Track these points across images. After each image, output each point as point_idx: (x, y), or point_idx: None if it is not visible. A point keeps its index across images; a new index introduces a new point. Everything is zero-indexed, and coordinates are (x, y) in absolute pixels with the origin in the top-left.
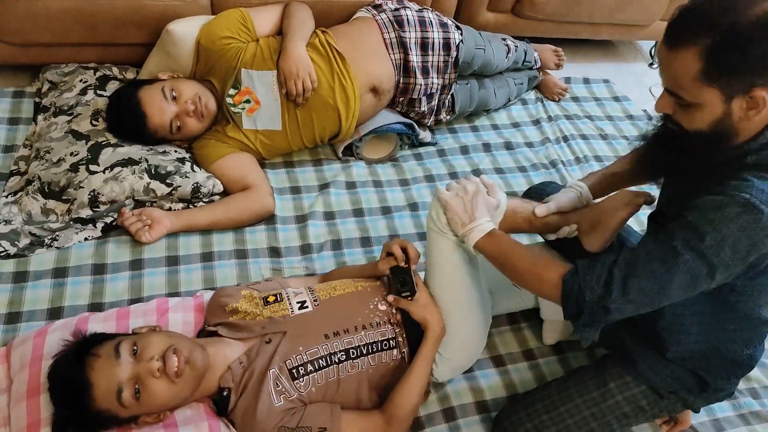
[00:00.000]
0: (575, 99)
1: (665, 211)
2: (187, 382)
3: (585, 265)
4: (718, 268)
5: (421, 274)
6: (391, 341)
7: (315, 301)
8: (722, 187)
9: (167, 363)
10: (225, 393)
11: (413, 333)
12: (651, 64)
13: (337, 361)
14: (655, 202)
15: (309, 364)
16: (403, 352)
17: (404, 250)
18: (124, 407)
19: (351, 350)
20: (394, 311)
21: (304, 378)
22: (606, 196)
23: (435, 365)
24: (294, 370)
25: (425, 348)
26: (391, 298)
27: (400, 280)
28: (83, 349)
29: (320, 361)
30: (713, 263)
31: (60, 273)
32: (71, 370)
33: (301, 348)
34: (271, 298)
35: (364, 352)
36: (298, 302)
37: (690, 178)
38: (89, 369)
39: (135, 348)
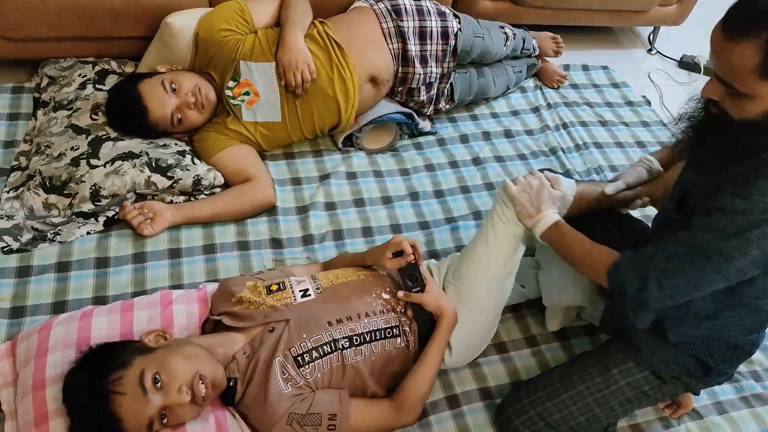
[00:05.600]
0: (574, 86)
1: (688, 196)
2: (210, 399)
3: (627, 260)
4: (747, 265)
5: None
6: (395, 329)
7: (317, 288)
8: (748, 189)
9: (196, 393)
10: (231, 383)
11: (425, 326)
12: (650, 50)
13: (341, 347)
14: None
15: (314, 351)
16: (408, 340)
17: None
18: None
19: (354, 337)
20: (401, 304)
21: (309, 365)
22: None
23: (449, 352)
24: (299, 358)
25: (438, 335)
26: (401, 294)
27: (409, 276)
28: (103, 379)
29: (324, 347)
30: (741, 263)
31: (63, 267)
32: (98, 409)
33: (304, 335)
34: (274, 287)
35: (368, 339)
36: (300, 290)
37: (716, 163)
38: (117, 407)
39: (157, 377)
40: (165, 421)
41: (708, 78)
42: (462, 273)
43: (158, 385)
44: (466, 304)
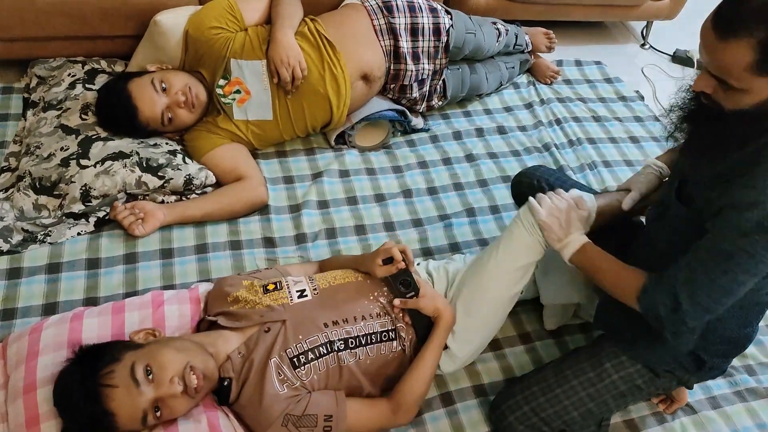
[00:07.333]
0: (567, 82)
1: (684, 185)
2: (203, 391)
3: (653, 283)
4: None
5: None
6: (390, 333)
7: (314, 289)
8: (753, 178)
9: (187, 383)
10: (226, 383)
11: (423, 330)
12: (643, 45)
13: (336, 349)
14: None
15: (309, 353)
16: (404, 345)
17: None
18: (147, 427)
19: (350, 340)
20: (398, 311)
21: (305, 366)
22: None
23: (448, 357)
24: (295, 359)
25: (436, 336)
26: (397, 302)
27: (401, 281)
28: (94, 376)
29: (320, 348)
30: (764, 256)
31: (54, 268)
32: (91, 406)
33: (300, 336)
34: (271, 287)
35: (363, 343)
36: (297, 291)
37: (711, 152)
38: (110, 401)
39: (149, 369)
40: (159, 414)
41: (700, 70)
42: (469, 291)
43: (150, 377)
44: (471, 322)
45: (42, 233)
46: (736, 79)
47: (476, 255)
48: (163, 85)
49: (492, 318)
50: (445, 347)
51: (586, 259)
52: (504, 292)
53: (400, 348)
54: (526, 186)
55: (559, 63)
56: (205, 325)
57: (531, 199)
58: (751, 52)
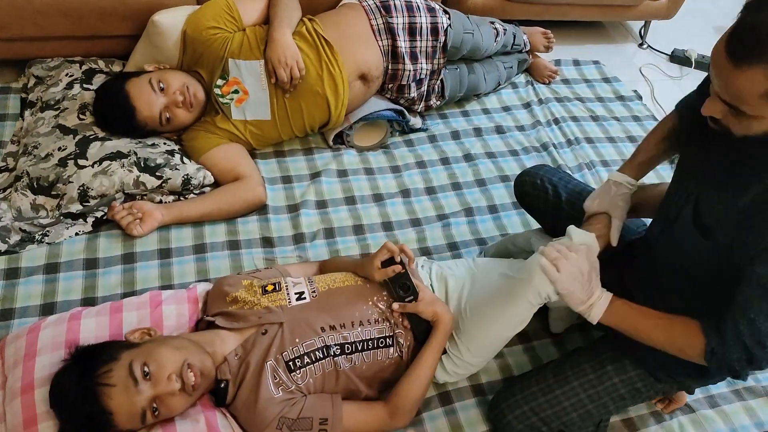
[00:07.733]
0: (565, 81)
1: (698, 207)
2: (200, 389)
3: (717, 344)
4: None
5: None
6: (388, 339)
7: (313, 292)
8: None
9: (185, 380)
10: (223, 385)
11: (422, 334)
12: (641, 45)
13: (332, 354)
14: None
15: (306, 356)
16: (402, 351)
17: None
18: (145, 426)
19: (346, 345)
20: (397, 315)
21: (301, 370)
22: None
23: (445, 372)
24: (291, 363)
25: (435, 340)
26: (396, 306)
27: (400, 285)
28: (91, 375)
29: (317, 353)
30: None
31: (52, 269)
32: (88, 405)
33: (297, 340)
34: (270, 287)
35: (359, 348)
36: (296, 293)
37: (723, 175)
38: (107, 399)
39: (146, 369)
40: (156, 413)
41: (698, 70)
42: (471, 329)
43: (147, 375)
44: (469, 356)
45: (40, 233)
46: (749, 106)
47: (478, 295)
48: (161, 85)
49: (491, 352)
50: (444, 351)
51: (619, 318)
52: (504, 334)
53: (397, 354)
54: (530, 185)
55: (557, 62)
56: (203, 324)
57: (546, 264)
58: (766, 80)
